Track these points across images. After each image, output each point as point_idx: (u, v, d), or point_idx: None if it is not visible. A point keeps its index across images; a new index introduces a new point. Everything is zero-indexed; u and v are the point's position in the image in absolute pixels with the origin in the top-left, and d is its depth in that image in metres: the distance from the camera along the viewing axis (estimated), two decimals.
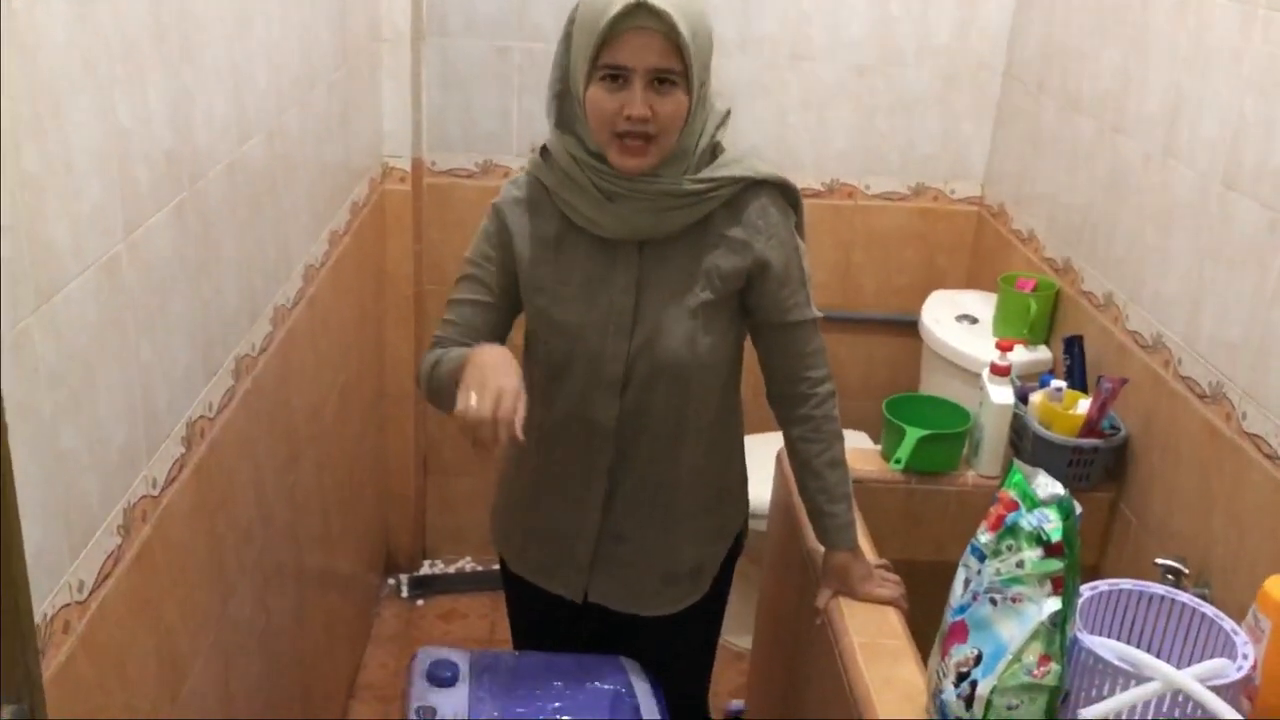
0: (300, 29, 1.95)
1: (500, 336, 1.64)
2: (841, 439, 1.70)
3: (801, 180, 2.91)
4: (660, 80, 1.45)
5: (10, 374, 1.03)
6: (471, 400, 1.36)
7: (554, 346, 1.61)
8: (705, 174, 1.54)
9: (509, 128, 2.86)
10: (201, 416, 1.54)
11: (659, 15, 1.41)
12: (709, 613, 1.83)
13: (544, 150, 1.60)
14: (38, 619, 1.09)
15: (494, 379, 1.38)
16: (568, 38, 1.51)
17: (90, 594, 1.21)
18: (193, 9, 1.44)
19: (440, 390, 1.55)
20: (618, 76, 1.45)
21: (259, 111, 1.74)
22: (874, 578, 1.74)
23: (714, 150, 1.57)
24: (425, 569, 3.22)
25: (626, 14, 1.41)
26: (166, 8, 1.36)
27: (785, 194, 1.61)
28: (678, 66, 1.44)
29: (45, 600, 1.12)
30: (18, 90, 1.03)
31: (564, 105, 1.55)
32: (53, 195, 1.11)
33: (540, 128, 1.68)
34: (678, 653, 1.83)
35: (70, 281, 1.15)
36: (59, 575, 1.15)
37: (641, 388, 1.59)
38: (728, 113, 1.59)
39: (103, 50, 1.20)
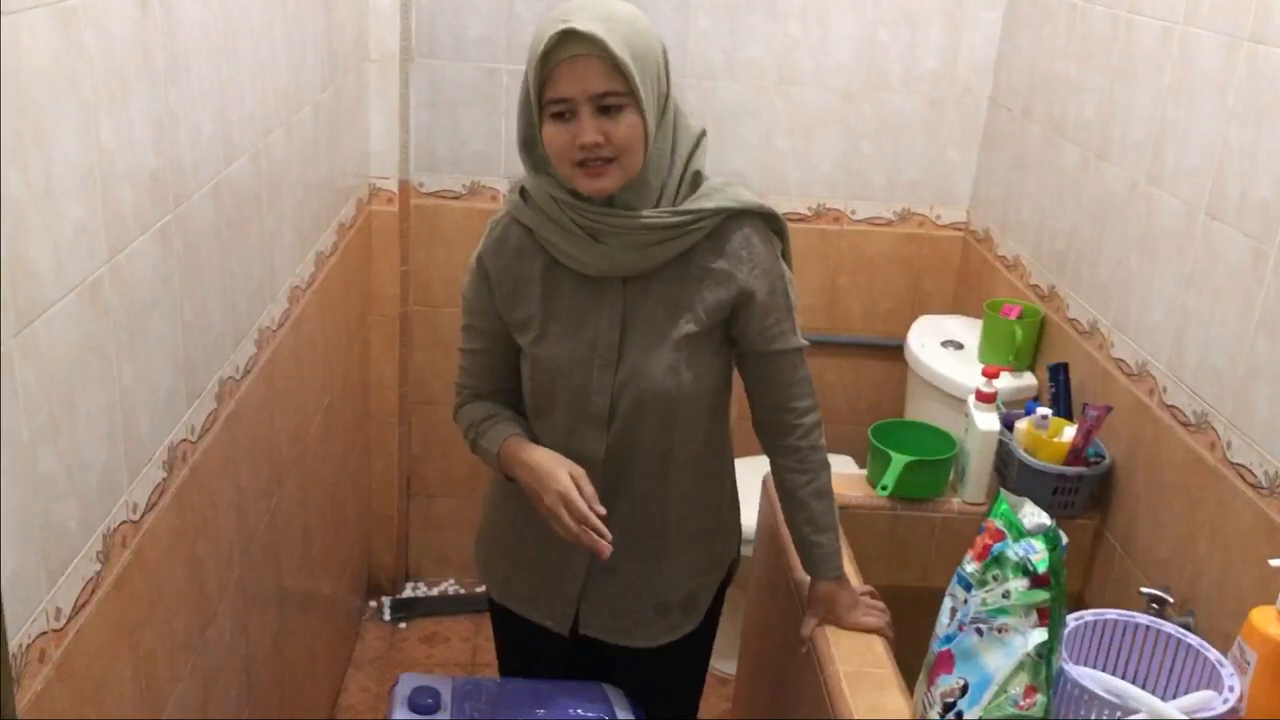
0: (287, 49, 1.95)
1: (514, 372, 1.68)
2: (828, 468, 1.69)
3: (788, 205, 2.93)
4: (607, 107, 1.43)
5: None
6: (564, 519, 1.52)
7: (539, 382, 1.61)
8: (687, 205, 1.52)
9: (497, 149, 2.86)
10: (184, 440, 1.53)
11: (589, 39, 1.38)
12: (700, 643, 1.81)
13: (523, 191, 1.58)
14: (13, 648, 1.08)
15: (550, 484, 1.53)
16: (525, 88, 1.50)
17: (68, 621, 1.20)
18: (179, 29, 1.44)
19: (484, 456, 1.68)
20: (563, 111, 1.43)
21: (245, 132, 1.73)
22: (859, 606, 1.73)
23: (695, 180, 1.55)
24: (408, 591, 3.20)
25: (556, 46, 1.40)
26: (152, 28, 1.35)
27: (769, 222, 1.59)
28: (620, 87, 1.41)
29: (21, 629, 1.10)
30: (1, 112, 1.02)
31: (534, 150, 1.53)
32: (34, 218, 1.10)
33: None
34: (667, 682, 1.82)
35: (52, 305, 1.14)
36: (35, 603, 1.13)
37: (628, 420, 1.59)
38: (703, 133, 1.57)
39: (86, 70, 1.20)
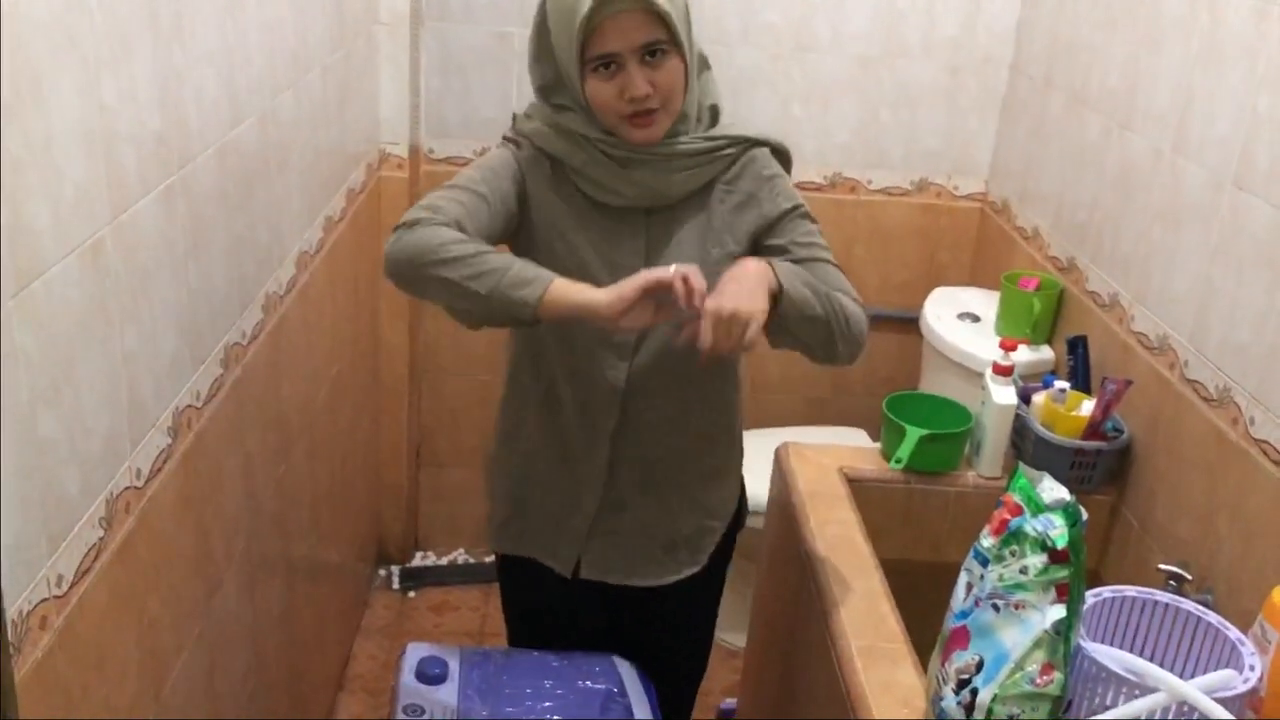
0: (296, 10, 1.91)
1: (495, 240, 1.53)
2: (853, 305, 1.55)
3: (803, 174, 2.89)
4: (651, 53, 1.46)
5: None
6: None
7: None
8: (716, 132, 1.58)
9: (508, 115, 2.75)
10: (189, 406, 1.51)
11: None
12: (706, 592, 1.83)
13: (544, 123, 1.56)
14: (13, 614, 1.06)
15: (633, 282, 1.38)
16: (542, 34, 1.51)
17: (70, 588, 1.18)
18: None
19: (463, 289, 1.40)
20: (610, 64, 1.46)
21: (252, 94, 1.70)
22: (739, 293, 1.40)
23: (714, 111, 1.61)
24: (417, 560, 3.19)
25: (600, 3, 1.41)
26: None
27: (779, 155, 1.64)
28: (664, 35, 1.45)
29: (21, 595, 1.08)
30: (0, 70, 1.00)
31: (552, 97, 1.55)
32: (34, 177, 1.08)
33: None
34: (675, 631, 1.83)
35: (51, 266, 1.12)
36: (37, 569, 1.11)
37: (650, 350, 1.59)
38: (708, 67, 1.61)
39: (88, 28, 1.17)
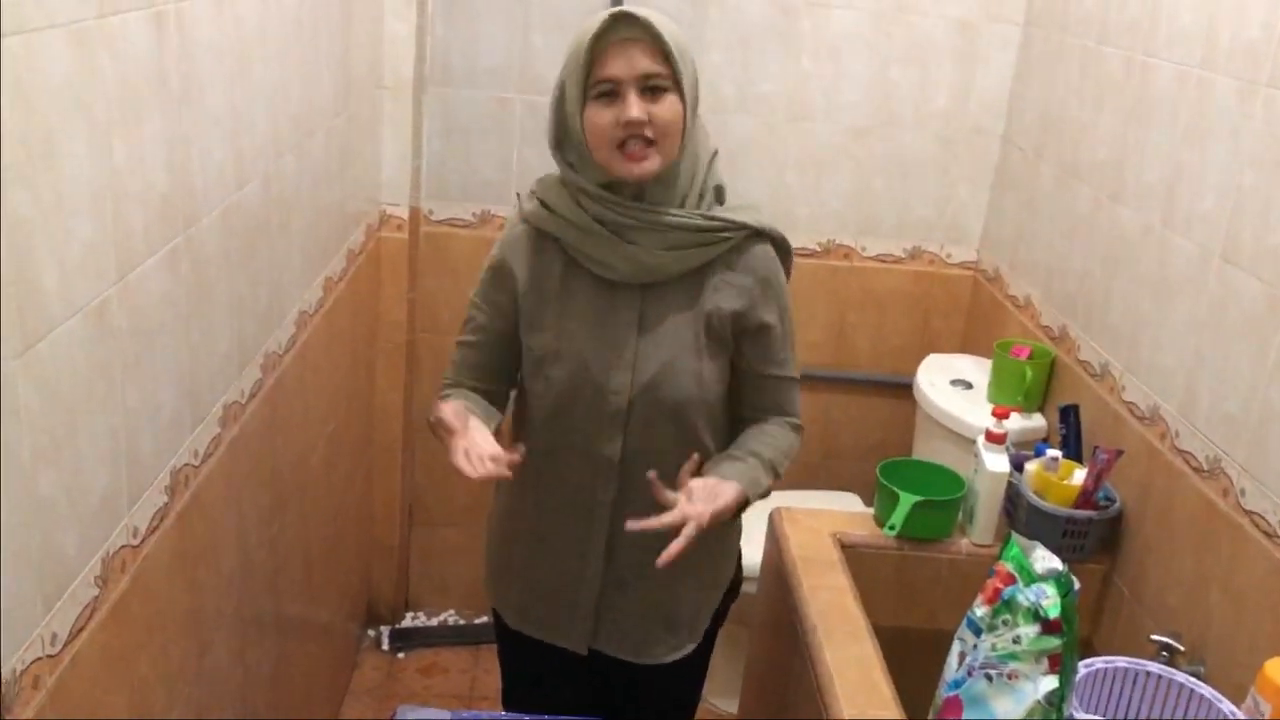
0: (301, 74, 1.95)
1: (504, 374, 1.72)
2: (791, 446, 1.71)
3: (797, 240, 2.90)
4: (652, 88, 1.49)
5: None
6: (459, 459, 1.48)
7: (557, 378, 1.61)
8: (719, 213, 1.59)
9: (508, 178, 2.86)
10: (186, 465, 1.51)
11: (641, 24, 1.47)
12: (697, 667, 1.84)
13: (542, 202, 1.62)
14: (5, 674, 1.06)
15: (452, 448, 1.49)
16: (560, 88, 1.57)
17: (63, 647, 1.18)
18: (194, 52, 1.43)
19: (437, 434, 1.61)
20: (611, 91, 1.50)
21: (256, 156, 1.73)
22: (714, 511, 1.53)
23: (718, 193, 1.63)
24: (407, 621, 3.17)
25: (610, 27, 1.48)
26: (168, 51, 1.35)
27: (780, 250, 1.66)
28: (665, 70, 1.50)
29: (15, 655, 1.08)
30: (12, 131, 1.02)
31: (566, 151, 1.59)
32: (43, 239, 1.09)
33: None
34: (667, 705, 1.84)
35: (57, 326, 1.13)
36: (31, 628, 1.11)
37: (644, 421, 1.61)
38: (715, 152, 1.65)
39: (100, 92, 1.19)
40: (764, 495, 1.63)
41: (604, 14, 1.49)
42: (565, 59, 1.55)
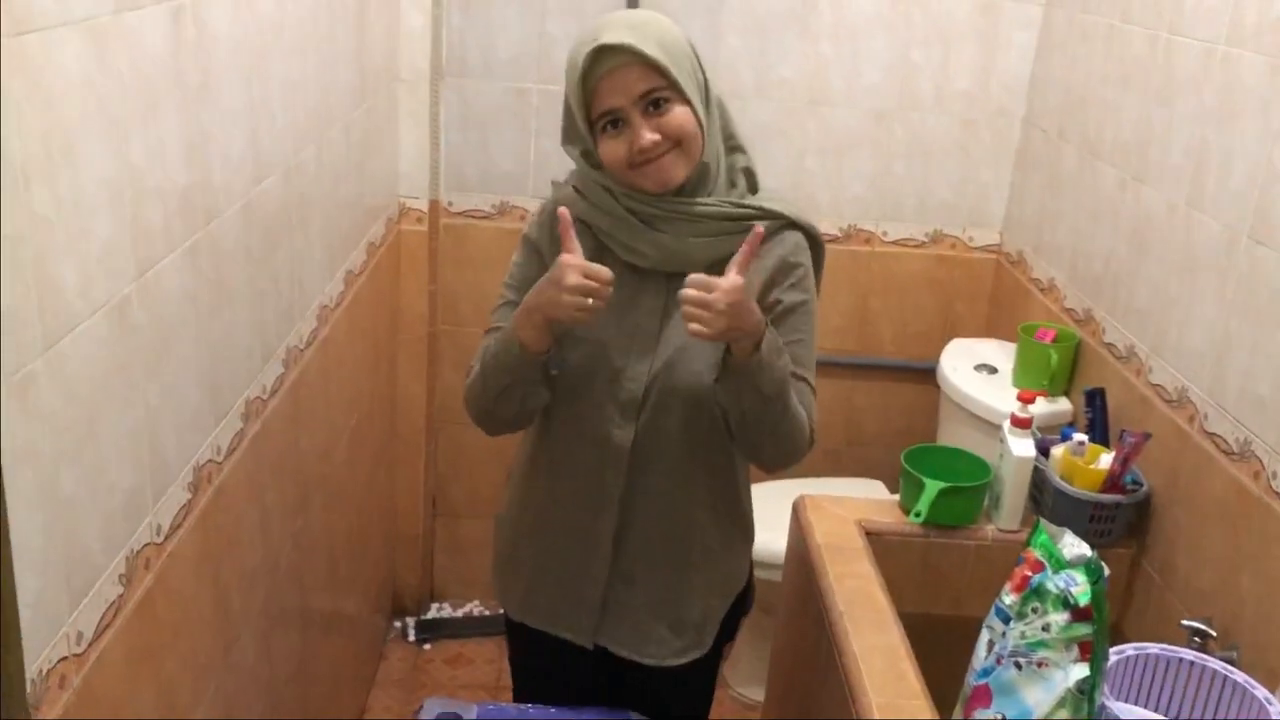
0: (319, 68, 1.94)
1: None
2: (804, 427, 1.59)
3: (819, 226, 2.88)
4: (654, 104, 1.48)
5: (12, 419, 1.00)
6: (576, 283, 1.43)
7: (574, 362, 1.60)
8: (751, 201, 1.57)
9: (526, 169, 2.85)
10: (209, 461, 1.52)
11: (620, 50, 1.44)
12: (706, 675, 1.82)
13: (576, 189, 1.61)
14: (32, 673, 1.06)
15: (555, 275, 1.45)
16: (566, 103, 1.55)
17: (89, 646, 1.18)
18: (211, 48, 1.43)
19: (491, 378, 1.57)
20: (617, 120, 1.49)
21: (275, 150, 1.73)
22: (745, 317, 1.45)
23: (749, 177, 1.62)
24: (432, 612, 3.18)
25: (592, 65, 1.46)
26: (185, 47, 1.35)
27: (813, 243, 1.63)
28: (662, 82, 1.47)
29: (41, 654, 1.08)
30: (30, 129, 1.02)
31: (593, 158, 1.57)
32: (62, 237, 1.09)
33: (556, 169, 1.70)
34: (677, 709, 1.82)
35: (79, 324, 1.13)
36: (57, 627, 1.11)
37: (657, 411, 1.59)
38: (733, 136, 1.63)
39: (118, 88, 1.19)
40: (764, 389, 1.49)
41: (586, 48, 1.46)
42: (565, 71, 1.52)
